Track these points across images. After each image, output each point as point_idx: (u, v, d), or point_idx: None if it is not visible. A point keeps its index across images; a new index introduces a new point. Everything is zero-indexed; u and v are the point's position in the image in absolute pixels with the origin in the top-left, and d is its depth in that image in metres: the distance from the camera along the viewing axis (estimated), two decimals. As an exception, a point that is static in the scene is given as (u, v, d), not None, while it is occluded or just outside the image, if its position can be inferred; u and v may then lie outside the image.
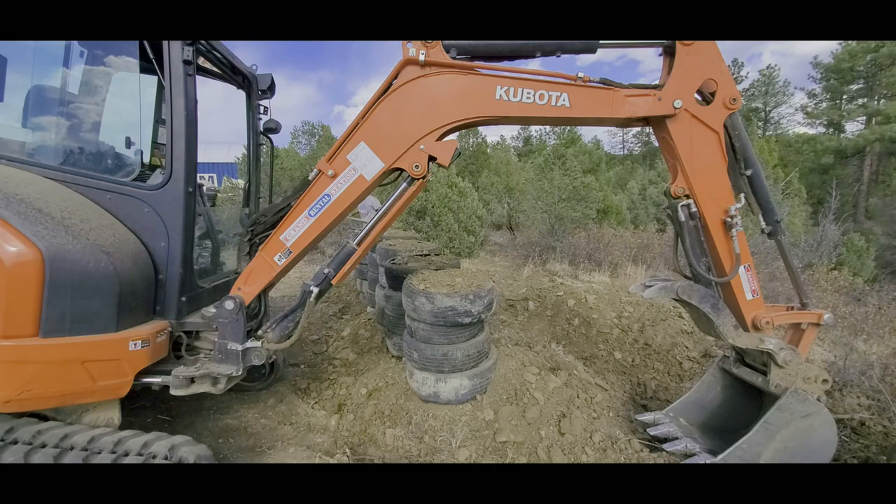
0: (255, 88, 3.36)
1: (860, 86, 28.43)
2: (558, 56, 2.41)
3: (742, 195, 2.47)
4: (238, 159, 16.57)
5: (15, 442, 2.00)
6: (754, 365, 2.72)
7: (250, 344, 2.58)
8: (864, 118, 28.09)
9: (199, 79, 2.63)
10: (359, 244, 2.56)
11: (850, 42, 26.58)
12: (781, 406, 2.38)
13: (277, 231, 2.50)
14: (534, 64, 3.14)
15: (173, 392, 2.45)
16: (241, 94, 3.43)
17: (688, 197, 2.47)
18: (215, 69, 3.04)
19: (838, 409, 3.16)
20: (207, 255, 3.34)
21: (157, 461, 2.04)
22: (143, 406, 3.09)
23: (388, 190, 2.59)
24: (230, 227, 3.89)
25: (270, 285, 2.70)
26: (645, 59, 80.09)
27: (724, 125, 2.39)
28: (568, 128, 24.10)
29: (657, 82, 2.41)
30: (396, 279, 3.75)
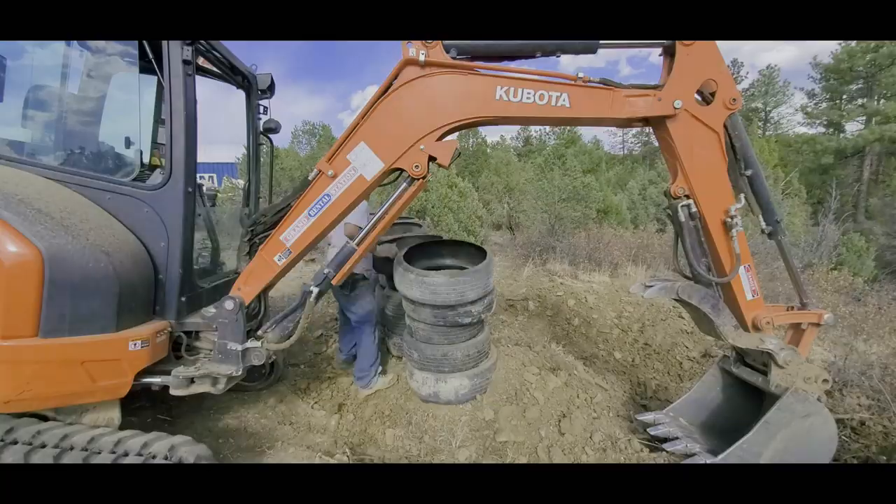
0: (254, 88, 3.36)
1: (860, 86, 28.41)
2: (558, 56, 2.41)
3: (742, 195, 2.47)
4: (238, 159, 16.56)
5: (15, 442, 2.00)
6: (754, 365, 2.72)
7: (250, 344, 2.58)
8: (864, 118, 28.06)
9: (199, 78, 2.63)
10: (359, 244, 2.56)
11: (849, 42, 26.57)
12: (781, 406, 2.38)
13: (277, 231, 2.50)
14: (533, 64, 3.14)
15: (173, 392, 2.45)
16: (242, 94, 3.43)
17: (688, 197, 2.47)
18: (215, 69, 3.03)
19: (838, 409, 3.16)
20: (207, 255, 3.33)
21: (157, 461, 2.04)
22: (143, 406, 3.08)
23: (388, 190, 2.59)
24: (230, 227, 3.89)
25: (270, 285, 2.70)
26: (623, 67, 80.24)
27: (724, 125, 2.39)
28: (568, 128, 24.11)
29: (657, 82, 2.41)
30: (386, 264, 3.73)
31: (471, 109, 2.31)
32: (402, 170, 2.39)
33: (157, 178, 2.59)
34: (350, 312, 3.57)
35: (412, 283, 2.97)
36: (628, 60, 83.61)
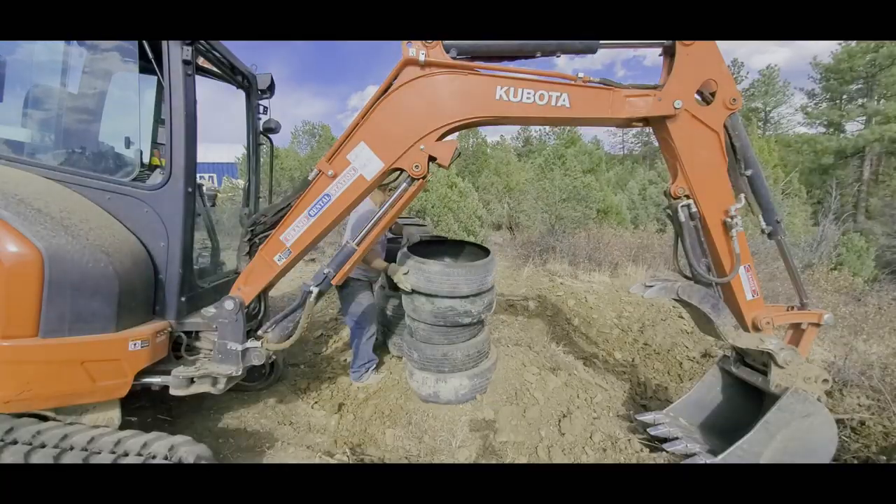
0: (254, 88, 3.36)
1: (860, 86, 28.40)
2: (558, 56, 2.41)
3: (742, 195, 2.47)
4: (238, 159, 16.54)
5: (15, 442, 2.00)
6: (754, 365, 2.72)
7: (250, 344, 2.58)
8: (864, 118, 28.04)
9: (199, 78, 2.63)
10: (359, 244, 2.56)
11: (849, 42, 26.56)
12: (781, 406, 2.37)
13: (277, 231, 2.50)
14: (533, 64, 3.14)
15: (173, 392, 2.45)
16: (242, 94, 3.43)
17: (688, 197, 2.47)
18: (215, 69, 3.03)
19: (838, 409, 3.16)
20: (207, 255, 3.33)
21: (157, 461, 2.04)
22: (143, 406, 3.08)
23: (388, 190, 2.59)
24: (230, 227, 3.89)
25: (270, 285, 2.70)
26: (618, 70, 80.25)
27: (724, 125, 2.39)
28: (568, 128, 24.10)
29: (657, 82, 2.41)
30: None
31: (471, 109, 2.31)
32: (401, 170, 2.39)
33: (157, 178, 2.59)
34: (342, 313, 3.61)
35: (410, 269, 3.07)
36: (623, 63, 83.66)
